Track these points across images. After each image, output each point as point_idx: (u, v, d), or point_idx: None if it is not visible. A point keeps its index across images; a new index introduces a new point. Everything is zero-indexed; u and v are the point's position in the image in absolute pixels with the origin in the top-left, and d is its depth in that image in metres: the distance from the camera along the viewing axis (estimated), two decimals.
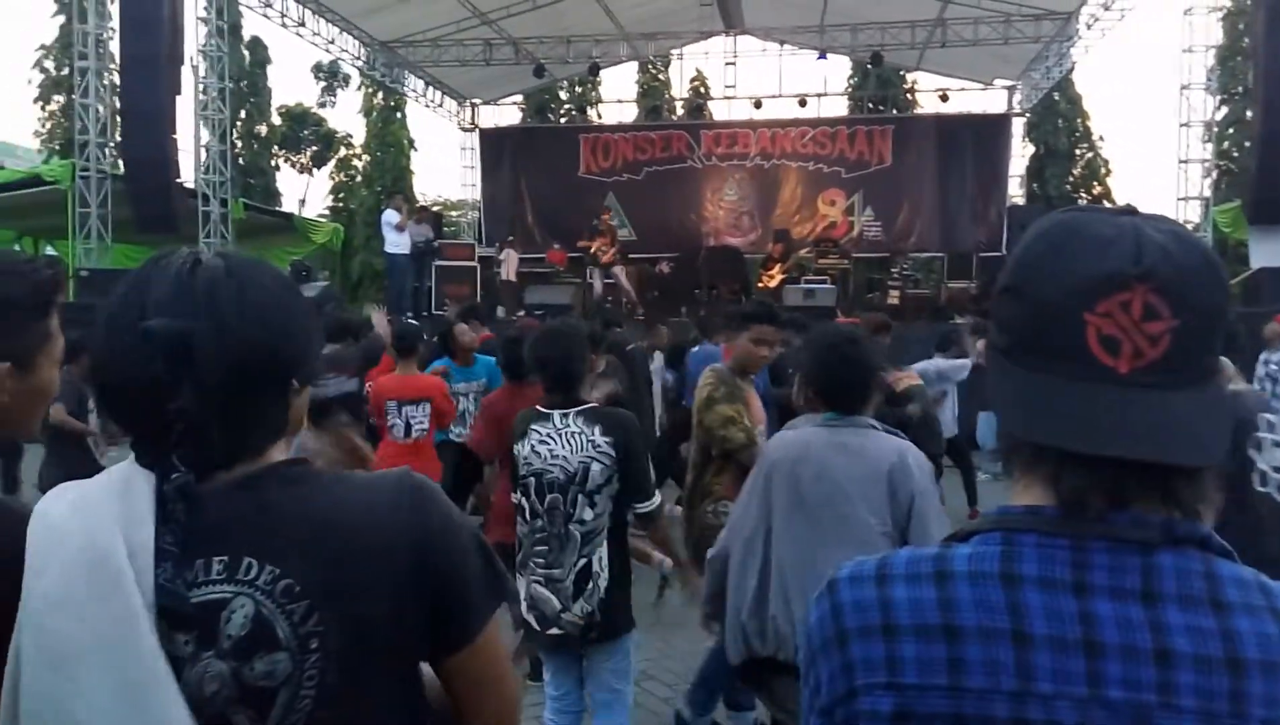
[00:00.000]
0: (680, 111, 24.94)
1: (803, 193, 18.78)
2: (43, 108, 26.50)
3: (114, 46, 13.46)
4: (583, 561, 3.11)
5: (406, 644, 1.07)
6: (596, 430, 3.14)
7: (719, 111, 22.49)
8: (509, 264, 14.87)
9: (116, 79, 13.49)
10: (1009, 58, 17.33)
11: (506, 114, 22.19)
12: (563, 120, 25.61)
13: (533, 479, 3.18)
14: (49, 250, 17.95)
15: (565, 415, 3.19)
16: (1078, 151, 26.93)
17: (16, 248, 17.67)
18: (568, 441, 3.14)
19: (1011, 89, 19.29)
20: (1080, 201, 24.16)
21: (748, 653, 2.56)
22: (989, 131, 18.83)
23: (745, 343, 3.69)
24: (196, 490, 1.00)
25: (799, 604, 2.43)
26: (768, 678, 2.57)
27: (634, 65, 23.37)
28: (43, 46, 26.19)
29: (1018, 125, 19.92)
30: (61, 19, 24.14)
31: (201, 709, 0.97)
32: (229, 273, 1.04)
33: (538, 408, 3.28)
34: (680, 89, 25.18)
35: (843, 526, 2.43)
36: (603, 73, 20.02)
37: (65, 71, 23.29)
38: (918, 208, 18.34)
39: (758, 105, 19.31)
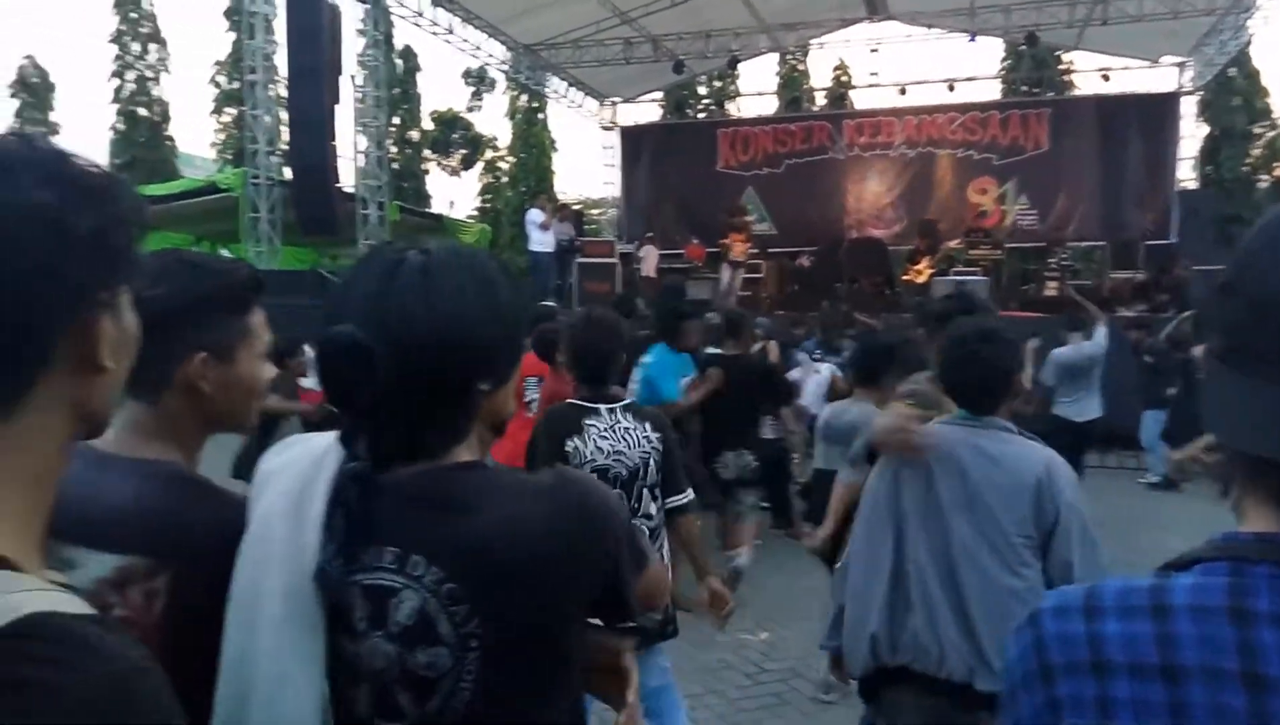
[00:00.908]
0: (821, 102, 24.45)
1: (951, 181, 18.07)
2: (218, 120, 28.47)
3: (279, 60, 14.34)
4: None
5: (564, 647, 1.11)
6: (647, 426, 3.12)
7: (862, 100, 21.93)
8: (648, 260, 14.97)
9: (283, 91, 14.36)
10: (1178, 33, 16.12)
11: (645, 111, 22.36)
12: (701, 115, 25.58)
13: (595, 476, 3.16)
14: (224, 253, 19.32)
15: (612, 411, 3.12)
16: (1256, 131, 24.85)
17: (194, 251, 19.03)
18: (623, 437, 3.09)
19: (1181, 66, 17.96)
20: (1260, 185, 22.35)
21: (874, 664, 2.39)
22: (1156, 112, 17.58)
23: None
24: (373, 480, 1.05)
25: (946, 619, 2.26)
26: (886, 688, 2.40)
27: (774, 57, 23.03)
28: (217, 62, 28.14)
29: (1188, 104, 18.51)
30: (233, 35, 25.85)
31: (370, 680, 1.05)
32: (425, 276, 1.07)
33: (580, 402, 3.16)
34: (821, 79, 24.70)
35: (985, 538, 2.27)
36: (741, 66, 19.84)
37: (236, 85, 24.94)
38: (1077, 194, 17.33)
39: (903, 92, 18.70)
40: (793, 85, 25.86)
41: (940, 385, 2.54)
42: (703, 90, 26.71)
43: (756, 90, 25.49)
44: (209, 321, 1.25)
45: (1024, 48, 18.97)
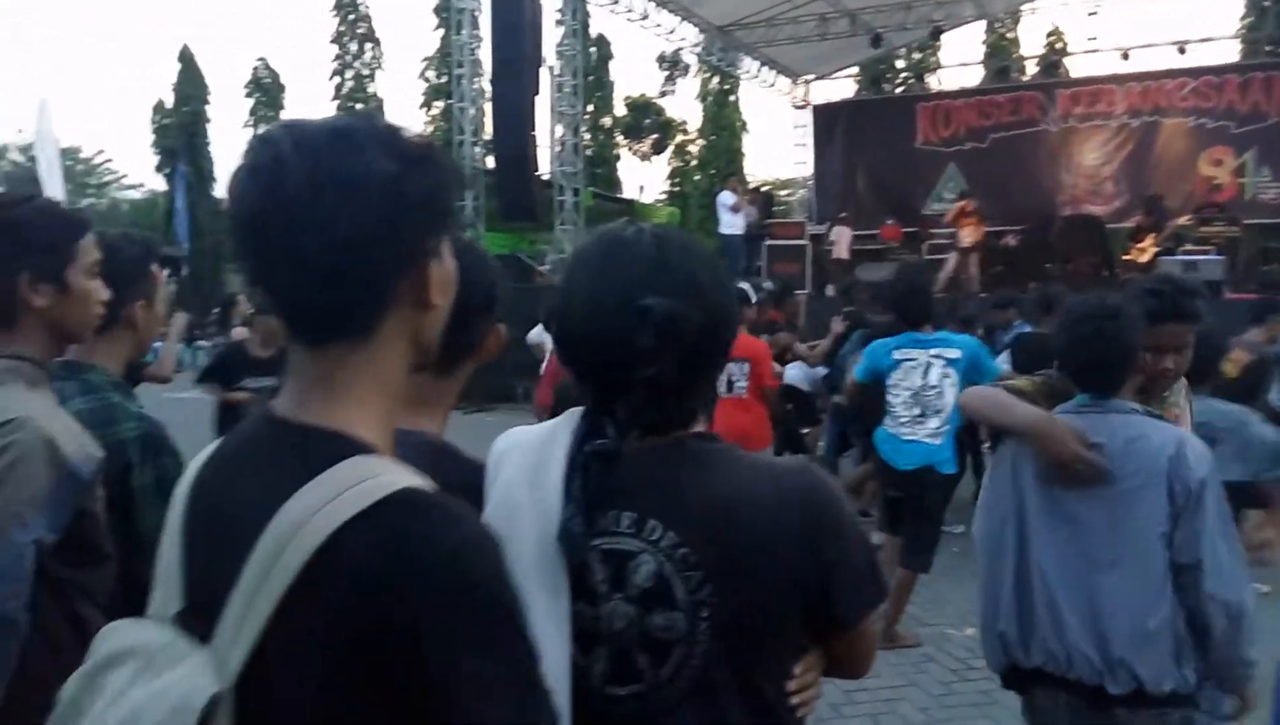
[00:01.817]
0: (1032, 71, 22.98)
1: (1180, 152, 16.48)
2: (426, 113, 30.16)
3: (483, 54, 14.99)
4: None
5: (784, 628, 1.12)
6: None
7: (1078, 67, 20.43)
8: (841, 241, 14.58)
9: (486, 83, 15.01)
10: None
11: (840, 88, 21.78)
12: (899, 90, 24.65)
13: None
14: None
15: None
16: None
17: None
18: None
19: None
20: None
21: (1009, 661, 2.25)
22: None
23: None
24: (617, 450, 1.08)
25: (1072, 623, 2.10)
26: (1031, 687, 2.24)
27: (980, 25, 21.87)
28: (426, 58, 29.78)
29: None
30: (441, 32, 27.27)
31: (609, 641, 1.08)
32: (686, 251, 1.13)
33: None
34: (1032, 46, 23.21)
35: (1116, 532, 2.09)
36: (944, 36, 18.93)
37: (444, 80, 26.31)
38: None
39: (1125, 57, 17.27)
40: (1000, 54, 24.45)
41: (1061, 366, 2.33)
42: (901, 64, 25.78)
43: (959, 61, 24.33)
44: (463, 323, 1.38)
45: (1269, 2, 17.03)
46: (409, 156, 0.88)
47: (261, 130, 0.91)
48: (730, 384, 5.40)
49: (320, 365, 0.90)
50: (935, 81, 24.03)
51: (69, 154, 30.61)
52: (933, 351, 4.65)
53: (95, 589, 1.62)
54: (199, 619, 0.86)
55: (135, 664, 0.85)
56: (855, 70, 22.07)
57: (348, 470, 0.84)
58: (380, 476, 0.84)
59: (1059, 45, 23.40)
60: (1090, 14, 17.56)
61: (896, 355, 4.70)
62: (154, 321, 2.01)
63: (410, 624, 0.79)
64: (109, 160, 49.39)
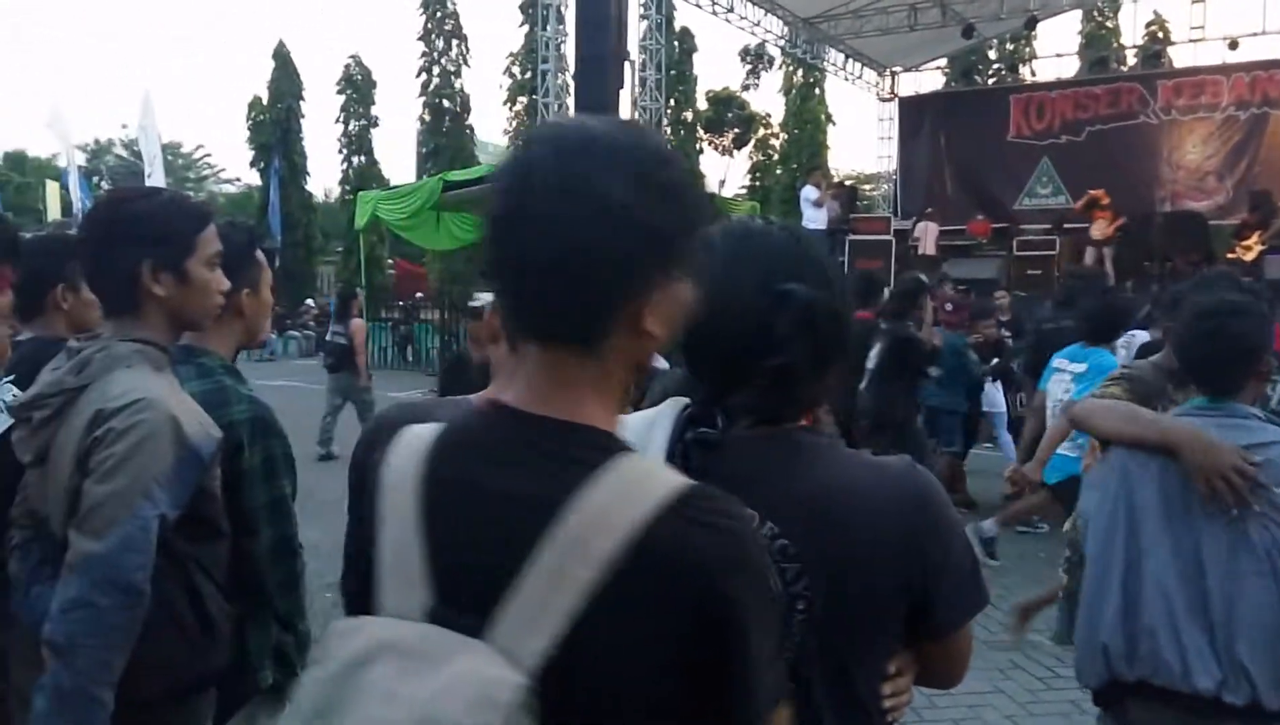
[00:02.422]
0: (1132, 61, 22.12)
1: None
2: (510, 108, 30.53)
3: (567, 49, 15.09)
4: None
5: (881, 627, 1.10)
6: None
7: (1181, 57, 19.59)
8: (927, 237, 14.26)
9: (568, 79, 15.11)
10: None
11: (928, 80, 21.34)
12: (990, 81, 24.00)
13: None
14: None
15: None
16: None
17: None
18: None
19: None
20: None
21: (1109, 675, 2.14)
22: None
23: None
24: (719, 438, 1.08)
25: (1191, 630, 2.00)
26: (1128, 700, 2.14)
27: (1076, 14, 21.16)
28: (511, 54, 30.15)
29: None
30: (526, 29, 27.56)
31: None
32: (813, 243, 1.15)
33: None
34: (1132, 36, 22.33)
35: (1243, 541, 1.98)
36: (1040, 26, 18.36)
37: (528, 75, 26.59)
38: None
39: (1233, 46, 16.51)
40: (1099, 44, 23.59)
41: (1175, 364, 2.22)
42: (993, 55, 25.05)
43: (1054, 52, 23.60)
44: None
45: None
46: (658, 187, 0.89)
47: (526, 131, 0.95)
48: None
49: (553, 366, 0.92)
50: (1029, 73, 23.34)
51: (170, 148, 31.97)
52: (1079, 364, 4.58)
53: (211, 563, 1.70)
54: (459, 611, 0.85)
55: (396, 661, 0.82)
56: (944, 62, 21.57)
57: (633, 466, 0.88)
58: (663, 473, 0.90)
59: (1161, 34, 22.44)
60: (1195, 1, 16.83)
61: (1055, 363, 4.64)
62: (261, 309, 2.08)
63: (721, 609, 0.83)
64: (208, 155, 51.47)
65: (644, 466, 0.90)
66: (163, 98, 68.08)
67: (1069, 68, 21.86)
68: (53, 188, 23.17)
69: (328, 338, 9.97)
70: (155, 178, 17.97)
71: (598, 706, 0.83)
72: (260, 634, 1.91)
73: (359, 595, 0.97)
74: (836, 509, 1.05)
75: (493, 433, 0.94)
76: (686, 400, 1.14)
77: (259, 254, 2.07)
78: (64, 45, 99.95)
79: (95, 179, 37.36)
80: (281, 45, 30.91)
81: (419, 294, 22.49)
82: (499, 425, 0.93)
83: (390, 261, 27.80)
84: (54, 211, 22.01)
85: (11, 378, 2.21)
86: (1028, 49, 23.87)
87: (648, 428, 1.14)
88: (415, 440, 0.97)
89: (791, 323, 1.05)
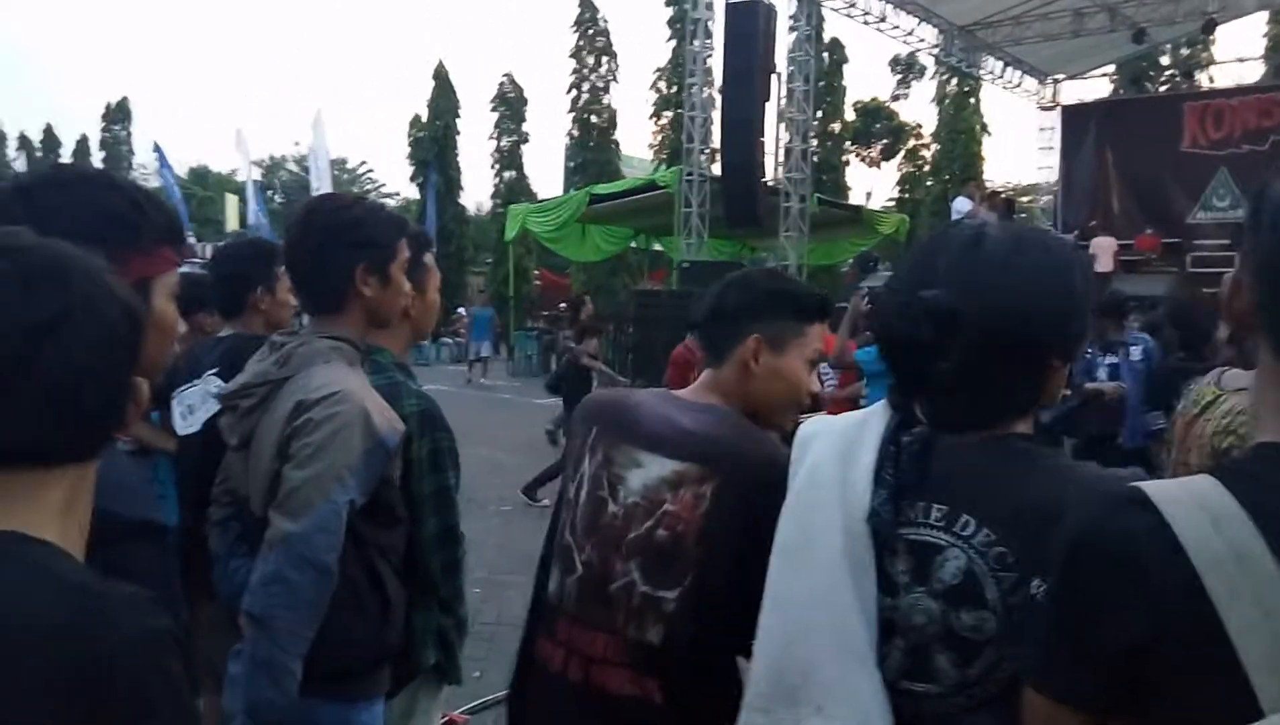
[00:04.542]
0: None
1: None
2: (655, 122, 30.88)
3: (714, 63, 15.20)
4: None
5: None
6: None
7: None
8: (1104, 252, 13.36)
9: (714, 93, 15.19)
10: None
11: (1093, 88, 20.34)
12: (1162, 89, 22.62)
13: None
14: (656, 246, 20.97)
15: None
16: None
17: (633, 244, 20.95)
18: None
19: None
20: None
21: None
22: None
23: None
24: (932, 442, 1.08)
25: None
26: None
27: (1261, 16, 19.67)
28: (658, 69, 30.50)
29: None
30: (673, 44, 27.84)
31: (907, 634, 1.06)
32: (1006, 252, 1.10)
33: None
34: None
35: None
36: (1219, 29, 17.18)
37: (674, 90, 26.82)
38: None
39: None
40: None
41: None
42: (1165, 60, 23.63)
43: (1235, 57, 21.99)
44: (770, 317, 1.53)
45: None
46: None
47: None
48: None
49: None
50: (1205, 79, 21.88)
51: (335, 164, 33.83)
52: None
53: (390, 548, 1.80)
54: None
55: None
56: (1111, 68, 20.47)
57: None
58: None
59: None
60: None
61: None
62: (429, 310, 2.18)
63: None
64: (370, 170, 54.28)
65: None
66: (330, 116, 72.47)
67: (1251, 73, 20.37)
68: (231, 201, 25.04)
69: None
70: (324, 191, 19.14)
71: None
72: (424, 617, 1.99)
73: None
74: (1051, 520, 0.99)
75: None
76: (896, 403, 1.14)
77: (428, 258, 2.18)
78: (243, 70, 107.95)
79: (269, 192, 40.07)
80: (441, 66, 32.26)
81: (562, 304, 23.06)
82: None
83: (535, 272, 28.58)
84: (232, 223, 23.79)
85: (215, 370, 2.41)
86: (1205, 54, 22.40)
87: (861, 425, 1.15)
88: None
89: (930, 329, 1.04)
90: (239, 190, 21.99)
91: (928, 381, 1.08)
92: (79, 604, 0.76)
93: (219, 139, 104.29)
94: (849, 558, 1.07)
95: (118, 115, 44.28)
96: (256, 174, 28.02)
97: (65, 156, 44.01)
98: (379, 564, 1.77)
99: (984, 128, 28.48)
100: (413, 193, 33.77)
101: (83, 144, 44.25)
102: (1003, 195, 16.48)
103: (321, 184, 19.43)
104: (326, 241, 1.79)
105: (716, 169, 15.19)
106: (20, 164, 30.69)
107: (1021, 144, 39.20)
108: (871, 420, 1.13)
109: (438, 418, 2.03)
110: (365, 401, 1.69)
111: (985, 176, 27.60)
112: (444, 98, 32.14)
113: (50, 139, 44.92)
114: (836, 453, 1.13)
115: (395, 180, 79.93)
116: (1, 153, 46.29)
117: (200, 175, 45.87)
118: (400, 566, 1.85)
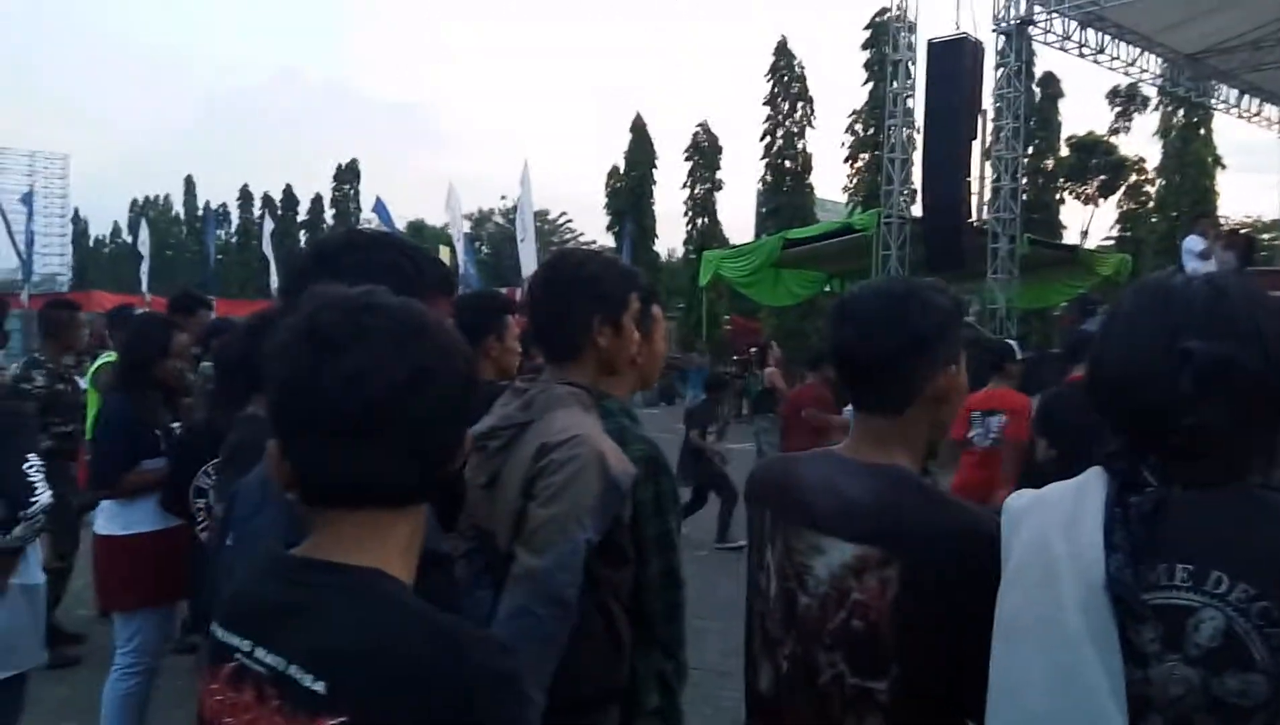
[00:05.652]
0: None
1: None
2: (851, 165, 30.50)
3: (913, 103, 14.87)
4: None
5: None
6: None
7: None
8: None
9: (914, 133, 14.86)
10: None
11: None
12: None
13: None
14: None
15: None
16: None
17: (827, 288, 20.67)
18: None
19: None
20: None
21: None
22: None
23: None
24: (1164, 499, 1.02)
25: None
26: None
27: None
28: (854, 112, 30.20)
29: None
30: (869, 86, 27.49)
31: (1164, 709, 0.99)
32: (1247, 298, 1.05)
33: None
34: None
35: None
36: None
37: (870, 131, 26.42)
38: None
39: None
40: None
41: None
42: None
43: None
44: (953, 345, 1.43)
45: None
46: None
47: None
48: (985, 434, 5.53)
49: None
50: None
51: (538, 215, 35.53)
52: None
53: (619, 586, 1.86)
54: None
55: None
56: None
57: None
58: None
59: None
60: None
61: None
62: (655, 358, 2.23)
63: None
64: (570, 220, 56.67)
65: None
66: (534, 169, 76.25)
67: None
68: (444, 253, 26.79)
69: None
70: (528, 242, 20.11)
71: None
72: (647, 659, 2.02)
73: None
74: None
75: None
76: (1108, 466, 1.08)
77: (656, 310, 2.26)
78: (453, 131, 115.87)
79: (476, 244, 42.56)
80: (639, 118, 33.40)
81: (753, 348, 23.04)
82: None
83: (726, 317, 28.73)
84: None
85: None
86: None
87: (1079, 492, 1.10)
88: None
89: (1193, 382, 0.98)
90: (450, 242, 23.44)
91: (1169, 437, 1.02)
92: (443, 643, 0.83)
93: (434, 195, 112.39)
94: (1090, 632, 1.00)
95: (347, 175, 48.67)
96: (466, 226, 29.86)
97: (301, 213, 48.77)
98: (611, 603, 1.82)
99: (1217, 160, 26.30)
100: (609, 241, 34.91)
101: (317, 202, 48.87)
102: (1242, 232, 15.06)
103: (527, 235, 20.39)
104: (568, 294, 1.90)
105: (916, 211, 14.81)
106: (267, 221, 34.08)
107: (1262, 177, 35.78)
108: (1089, 485, 1.07)
109: (662, 463, 2.08)
110: (601, 445, 1.76)
111: (1220, 212, 25.40)
112: (640, 149, 33.18)
113: (289, 198, 49.90)
114: (1060, 528, 1.07)
115: (592, 229, 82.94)
116: (249, 211, 51.87)
117: (417, 228, 49.50)
118: (629, 606, 1.90)
